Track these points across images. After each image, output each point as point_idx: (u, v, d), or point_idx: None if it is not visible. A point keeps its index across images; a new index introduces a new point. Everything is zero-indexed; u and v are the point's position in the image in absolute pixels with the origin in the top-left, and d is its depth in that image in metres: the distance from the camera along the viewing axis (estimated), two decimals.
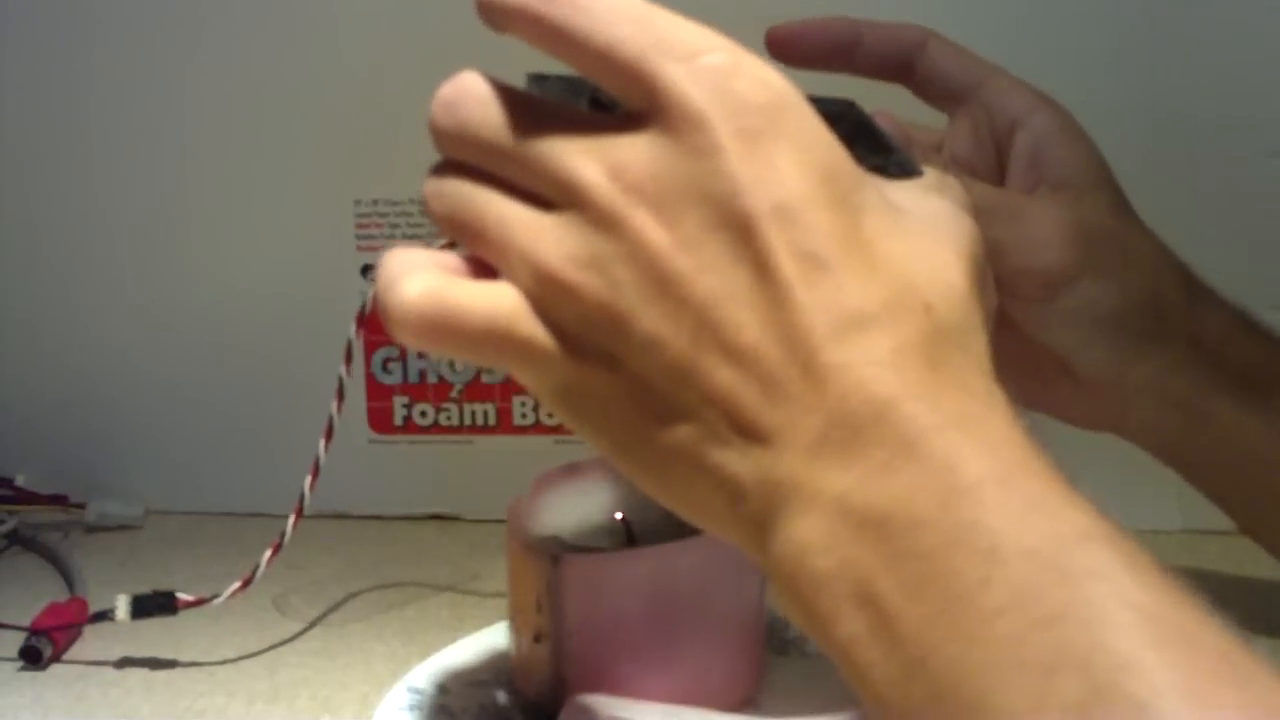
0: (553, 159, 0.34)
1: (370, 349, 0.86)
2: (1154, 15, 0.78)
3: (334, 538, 0.83)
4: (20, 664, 0.68)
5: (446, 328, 0.34)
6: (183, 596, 0.68)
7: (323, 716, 0.63)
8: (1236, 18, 0.78)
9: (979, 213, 0.38)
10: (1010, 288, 0.55)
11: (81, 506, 0.87)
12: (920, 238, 0.35)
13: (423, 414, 0.86)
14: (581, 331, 0.34)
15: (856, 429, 0.32)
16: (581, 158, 0.34)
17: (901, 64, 0.60)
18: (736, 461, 0.33)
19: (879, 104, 0.47)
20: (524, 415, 0.86)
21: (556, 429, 0.85)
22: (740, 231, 0.32)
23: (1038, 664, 0.28)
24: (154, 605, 0.68)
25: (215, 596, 0.66)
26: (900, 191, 0.37)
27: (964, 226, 0.37)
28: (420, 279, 0.34)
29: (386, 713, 0.56)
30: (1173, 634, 0.31)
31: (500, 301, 0.34)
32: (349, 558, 0.81)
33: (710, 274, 0.33)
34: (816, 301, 0.32)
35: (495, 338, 0.34)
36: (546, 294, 0.34)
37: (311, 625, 0.73)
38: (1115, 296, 0.56)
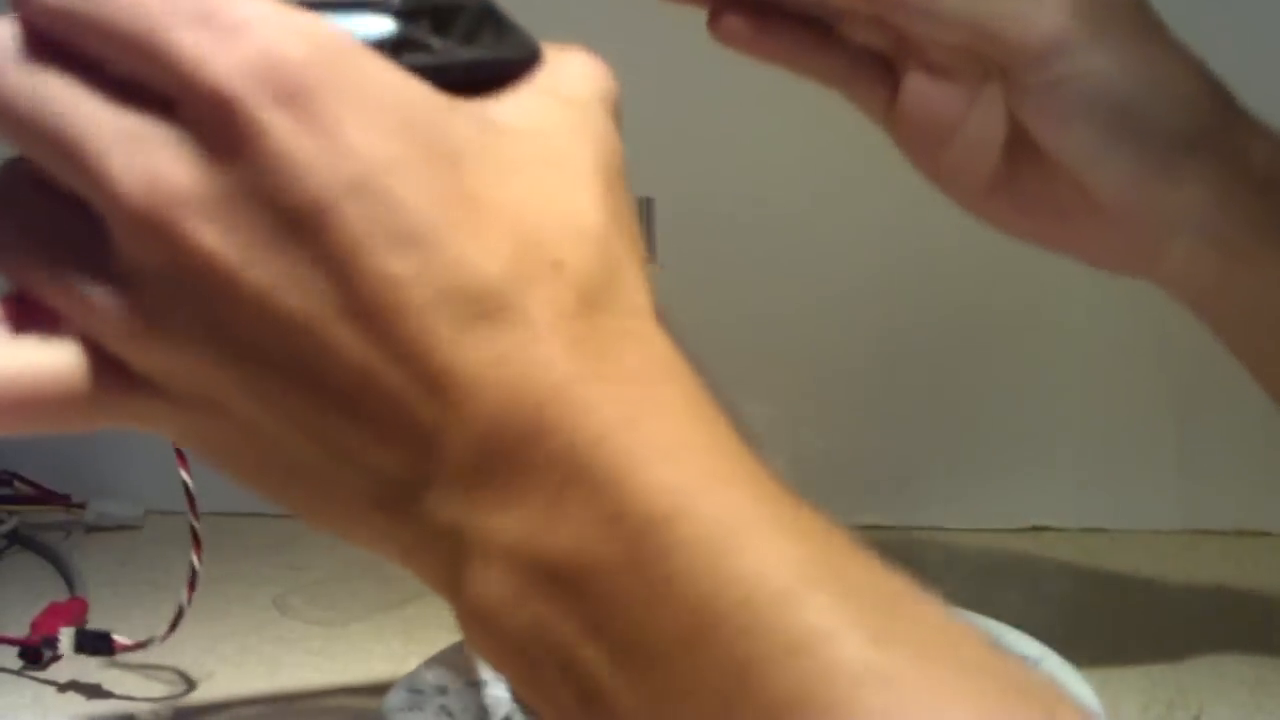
0: (87, 157, 0.27)
1: None
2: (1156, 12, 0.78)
3: (334, 538, 0.82)
4: (20, 664, 0.68)
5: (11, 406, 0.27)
6: (120, 640, 0.66)
7: (323, 717, 0.63)
8: (1237, 17, 0.77)
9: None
10: (1011, 78, 0.48)
11: (81, 506, 0.87)
12: (535, 172, 0.29)
13: None
14: (167, 382, 0.28)
15: (507, 454, 0.26)
16: (120, 163, 0.26)
17: None
18: (389, 520, 0.28)
19: None
20: None
21: None
22: (311, 229, 0.26)
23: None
24: (94, 644, 0.67)
25: (151, 640, 0.64)
26: (509, 107, 0.30)
27: (587, 134, 0.30)
28: None
29: (386, 713, 0.56)
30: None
31: (65, 359, 0.28)
32: (349, 558, 0.81)
33: (286, 293, 0.26)
34: (421, 294, 0.26)
35: (76, 405, 0.28)
36: (123, 346, 0.28)
37: (312, 625, 0.73)
38: (1132, 80, 0.48)
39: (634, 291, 0.29)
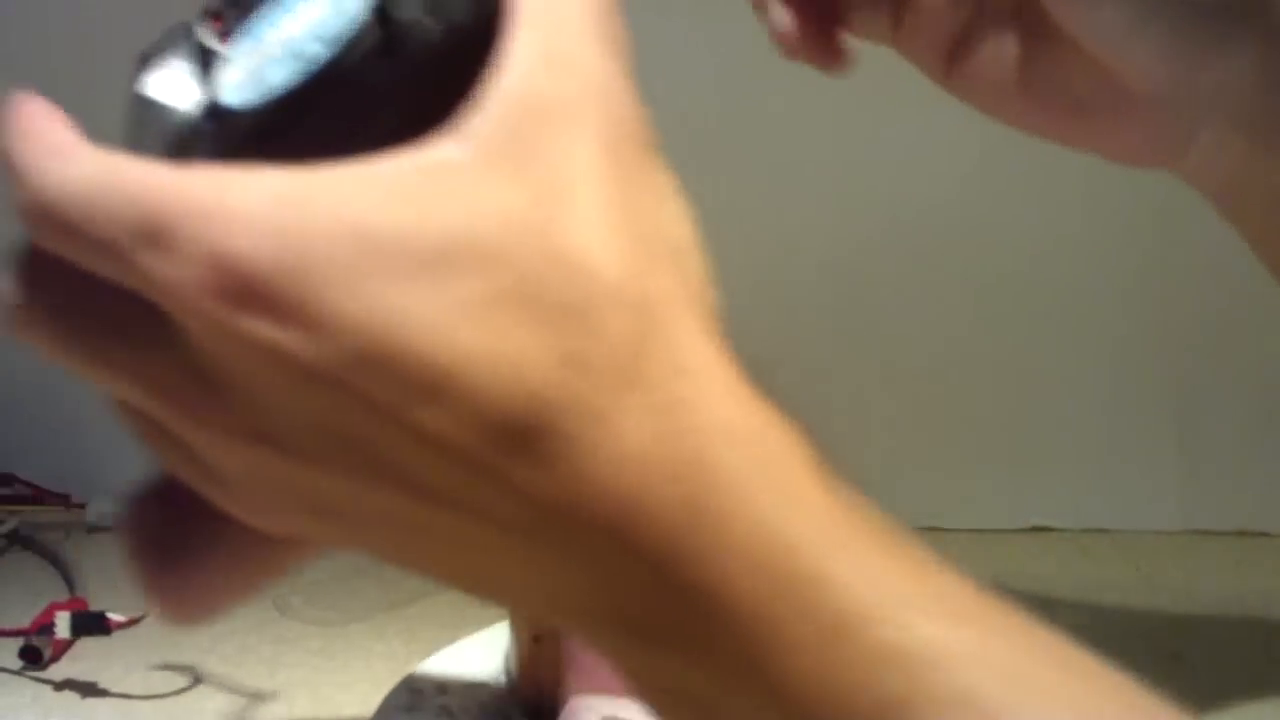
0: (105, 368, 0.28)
1: None
2: None
3: None
4: (20, 664, 0.68)
5: None
6: (114, 618, 0.67)
7: (323, 716, 0.63)
8: None
9: None
10: None
11: (81, 506, 0.87)
12: (526, 228, 0.25)
13: None
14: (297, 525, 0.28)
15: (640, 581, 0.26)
16: (125, 383, 0.28)
17: None
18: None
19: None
20: None
21: None
22: (330, 401, 0.25)
23: None
24: (90, 625, 0.68)
25: (144, 616, 0.65)
26: (483, 125, 0.26)
27: (588, 124, 0.26)
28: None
29: (386, 713, 0.56)
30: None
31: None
32: (349, 558, 0.81)
33: (349, 448, 0.26)
34: (464, 438, 0.25)
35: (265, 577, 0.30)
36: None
37: (311, 625, 0.73)
38: None
39: (681, 343, 0.26)
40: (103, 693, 0.66)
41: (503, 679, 0.59)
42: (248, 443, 0.26)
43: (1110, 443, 0.84)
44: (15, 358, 0.95)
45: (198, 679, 0.67)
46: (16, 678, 0.68)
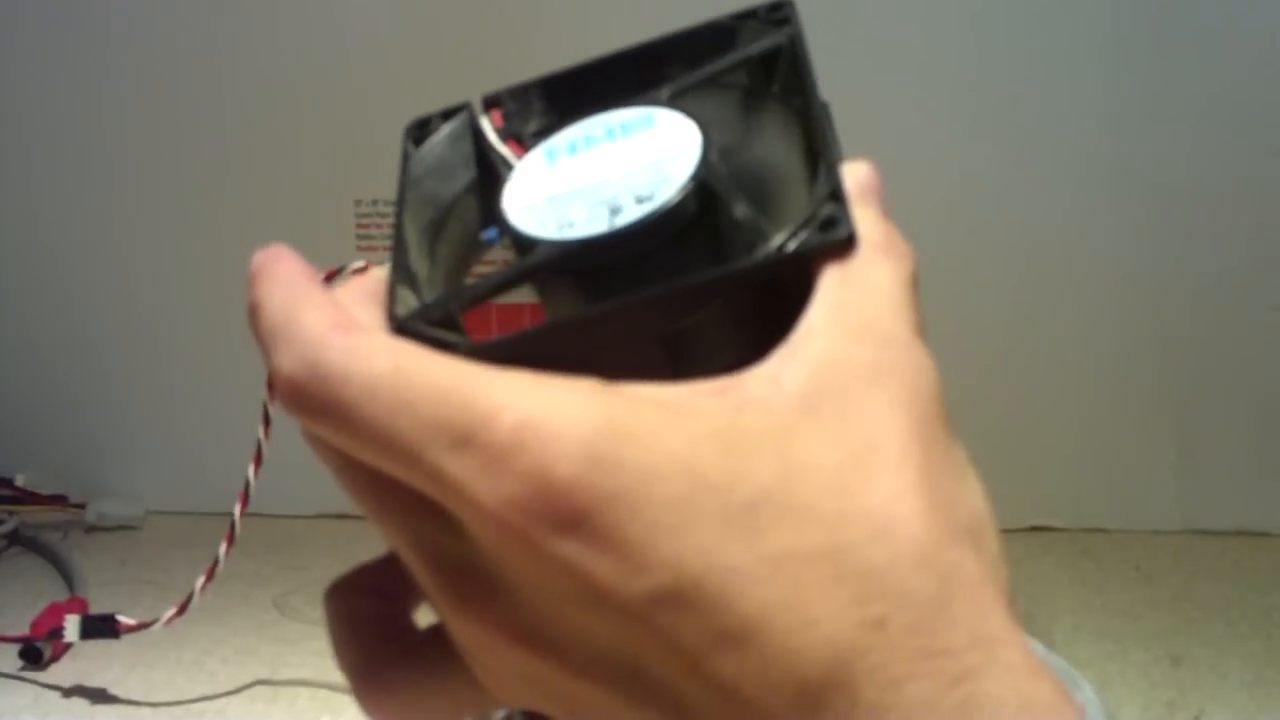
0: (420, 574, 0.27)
1: None
2: (1154, 13, 0.78)
3: (334, 538, 0.82)
4: (20, 664, 0.68)
5: None
6: (124, 620, 0.66)
7: (323, 716, 0.63)
8: (1237, 16, 0.78)
9: None
10: None
11: (81, 506, 0.87)
12: (839, 486, 0.26)
13: None
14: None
15: None
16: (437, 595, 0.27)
17: None
18: None
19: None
20: None
21: None
22: (633, 637, 0.25)
23: None
24: (99, 628, 0.67)
25: (156, 620, 0.65)
26: (799, 375, 0.27)
27: (896, 389, 0.27)
28: None
29: None
30: None
31: None
32: (349, 558, 0.80)
33: (630, 690, 0.26)
34: (754, 691, 0.25)
35: None
36: None
37: (312, 625, 0.73)
38: None
39: (978, 610, 0.26)
40: (102, 692, 0.66)
41: None
42: (513, 640, 0.26)
43: (1110, 443, 0.84)
44: (17, 359, 0.96)
45: (197, 678, 0.67)
46: (16, 677, 0.68)
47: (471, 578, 0.26)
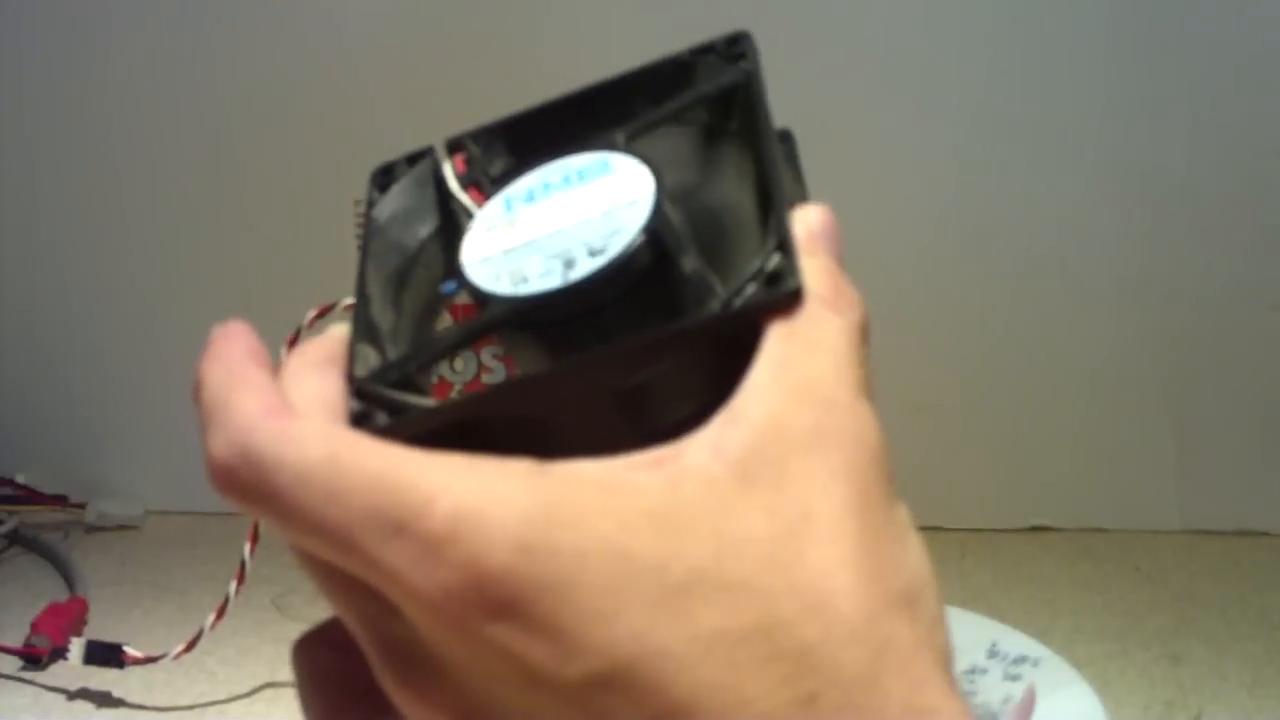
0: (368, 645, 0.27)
1: None
2: (1153, 14, 0.78)
3: None
4: (20, 664, 0.68)
5: None
6: (131, 653, 0.67)
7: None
8: (1236, 16, 0.78)
9: None
10: None
11: (81, 506, 0.87)
12: (774, 563, 0.26)
13: None
14: None
15: None
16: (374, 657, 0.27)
17: None
18: None
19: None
20: None
21: None
22: (573, 713, 0.25)
23: None
24: (104, 655, 0.67)
25: (164, 655, 0.65)
26: (737, 442, 0.26)
27: (836, 454, 0.27)
28: None
29: None
30: None
31: None
32: None
33: None
34: None
35: None
36: None
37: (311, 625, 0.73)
38: None
39: (912, 682, 0.26)
40: (102, 692, 0.66)
41: None
42: (453, 718, 0.26)
43: (1110, 443, 0.84)
44: (17, 359, 0.96)
45: (196, 679, 0.67)
46: (16, 677, 0.68)
47: (414, 660, 0.26)
